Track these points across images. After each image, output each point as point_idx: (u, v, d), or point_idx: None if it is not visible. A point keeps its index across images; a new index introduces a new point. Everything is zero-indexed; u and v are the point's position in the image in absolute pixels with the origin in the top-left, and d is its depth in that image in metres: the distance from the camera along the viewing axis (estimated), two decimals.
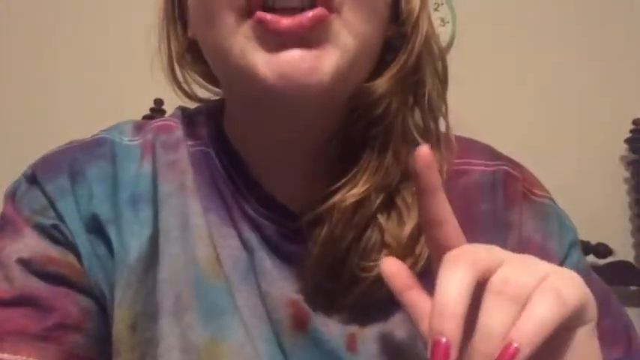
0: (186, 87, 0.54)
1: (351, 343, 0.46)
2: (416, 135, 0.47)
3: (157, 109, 1.29)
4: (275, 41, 0.40)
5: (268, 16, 0.40)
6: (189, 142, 0.51)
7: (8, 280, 0.45)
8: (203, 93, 0.56)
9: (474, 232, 0.47)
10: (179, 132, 0.51)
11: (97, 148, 0.50)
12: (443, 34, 1.45)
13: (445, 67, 0.49)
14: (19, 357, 0.43)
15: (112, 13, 1.40)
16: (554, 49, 1.39)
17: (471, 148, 0.53)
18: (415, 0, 0.47)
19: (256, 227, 0.48)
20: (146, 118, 1.24)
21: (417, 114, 0.49)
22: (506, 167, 0.52)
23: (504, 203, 0.50)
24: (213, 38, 0.43)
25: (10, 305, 0.44)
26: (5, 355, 0.42)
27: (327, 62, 0.41)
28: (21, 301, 0.44)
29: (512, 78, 1.40)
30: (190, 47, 0.51)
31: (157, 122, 0.53)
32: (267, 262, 0.47)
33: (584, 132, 1.36)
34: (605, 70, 1.38)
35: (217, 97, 0.56)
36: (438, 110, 0.49)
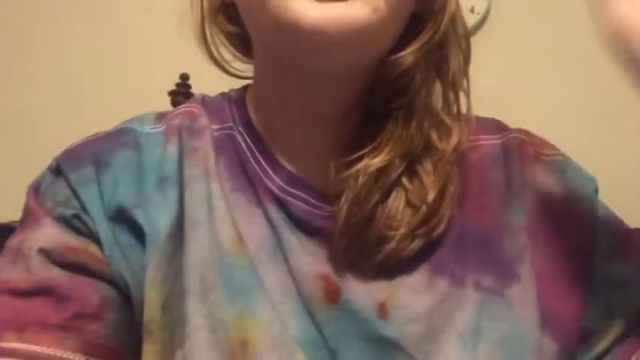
0: (214, 50, 0.54)
1: (382, 311, 0.46)
2: (438, 110, 0.50)
3: (183, 84, 1.27)
4: None
5: None
6: (214, 127, 0.52)
7: (28, 270, 0.45)
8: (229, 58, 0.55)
9: (491, 199, 0.50)
10: (202, 118, 0.52)
11: (120, 136, 0.51)
12: (478, 6, 1.41)
13: (468, 46, 0.51)
14: (39, 347, 0.43)
15: None
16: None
17: (480, 125, 0.54)
18: None
19: (282, 205, 0.49)
20: (172, 93, 1.22)
21: (439, 89, 0.51)
22: (514, 134, 0.53)
23: (518, 167, 0.51)
24: None
25: (30, 295, 0.44)
26: (26, 346, 0.43)
27: (358, 17, 0.42)
28: (41, 291, 0.44)
29: (555, 53, 1.34)
30: (223, 8, 0.52)
31: (180, 109, 0.53)
32: (293, 238, 0.48)
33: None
34: None
35: (240, 73, 0.56)
36: (459, 86, 0.51)
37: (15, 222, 0.51)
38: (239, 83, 0.57)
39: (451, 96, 0.51)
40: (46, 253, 0.45)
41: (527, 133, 0.54)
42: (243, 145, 0.51)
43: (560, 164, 0.52)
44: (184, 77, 1.27)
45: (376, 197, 0.47)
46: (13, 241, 0.47)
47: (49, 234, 0.46)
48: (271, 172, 0.50)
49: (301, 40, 0.42)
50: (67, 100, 1.37)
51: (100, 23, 1.41)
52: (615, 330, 0.47)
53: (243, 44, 0.54)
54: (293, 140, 0.50)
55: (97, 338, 0.45)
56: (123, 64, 1.37)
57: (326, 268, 0.47)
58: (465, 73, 0.51)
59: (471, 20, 1.41)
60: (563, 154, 0.54)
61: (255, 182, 0.49)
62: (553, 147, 0.54)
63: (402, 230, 0.46)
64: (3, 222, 0.95)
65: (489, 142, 0.53)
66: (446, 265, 0.48)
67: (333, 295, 0.46)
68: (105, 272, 0.46)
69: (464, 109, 0.52)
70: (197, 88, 1.13)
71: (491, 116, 0.56)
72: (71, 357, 0.43)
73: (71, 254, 0.46)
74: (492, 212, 0.50)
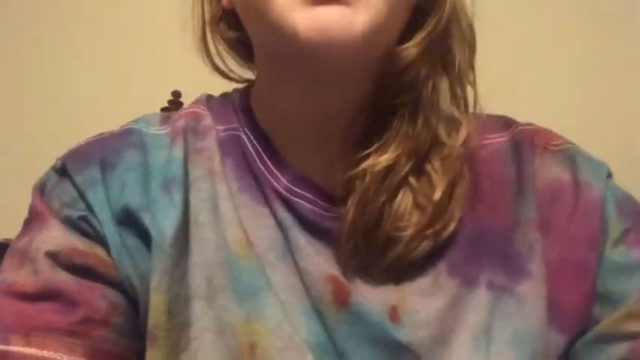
0: (215, 58, 0.54)
1: (394, 315, 0.46)
2: (445, 103, 0.49)
3: (175, 101, 1.28)
4: None
5: None
6: (219, 127, 0.52)
7: (35, 273, 0.44)
8: (231, 65, 0.56)
9: (502, 196, 0.50)
10: (207, 119, 0.52)
11: (126, 137, 0.51)
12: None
13: (473, 36, 0.50)
14: (47, 352, 0.42)
15: (129, 6, 1.39)
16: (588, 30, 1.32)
17: (485, 123, 0.53)
18: None
19: (289, 206, 0.48)
20: (164, 110, 1.23)
21: (445, 82, 0.50)
22: (520, 128, 0.53)
23: (529, 160, 0.51)
24: None
25: (37, 299, 0.44)
26: (33, 350, 0.42)
27: (360, 19, 0.42)
28: (48, 294, 0.44)
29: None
30: (223, 16, 0.52)
31: (185, 110, 0.53)
32: (302, 239, 0.47)
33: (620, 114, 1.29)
34: None
35: (241, 79, 0.56)
36: (465, 78, 0.50)
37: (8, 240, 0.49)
38: None
39: (458, 90, 0.50)
40: (52, 256, 0.45)
41: (534, 125, 0.54)
42: (249, 146, 0.51)
43: (570, 152, 0.52)
44: (176, 94, 1.28)
45: (383, 197, 0.46)
46: (19, 243, 0.47)
47: (55, 236, 0.46)
48: (277, 172, 0.49)
49: (302, 48, 0.42)
50: (60, 113, 1.37)
51: (93, 40, 1.41)
52: (623, 316, 0.46)
53: (244, 49, 0.54)
54: (299, 140, 0.50)
55: (104, 343, 0.44)
56: (116, 80, 1.37)
57: (335, 270, 0.47)
58: (471, 64, 0.50)
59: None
60: (572, 143, 0.53)
61: (261, 182, 0.49)
62: (561, 137, 0.54)
63: (410, 231, 0.46)
64: None
65: (497, 139, 0.53)
66: (458, 265, 0.47)
67: (342, 297, 0.46)
68: (112, 276, 0.46)
69: (471, 103, 0.51)
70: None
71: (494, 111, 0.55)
72: None
73: (78, 257, 0.45)
74: (504, 209, 0.49)
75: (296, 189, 0.49)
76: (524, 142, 0.52)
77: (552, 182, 0.50)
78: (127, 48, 1.37)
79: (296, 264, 0.47)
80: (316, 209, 0.48)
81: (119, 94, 1.32)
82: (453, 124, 0.49)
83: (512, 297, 0.47)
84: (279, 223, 0.48)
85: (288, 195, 0.48)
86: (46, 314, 0.43)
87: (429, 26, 0.47)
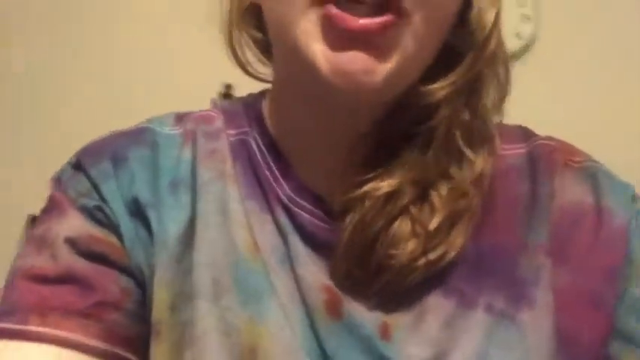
0: (239, 53, 0.53)
1: (385, 332, 0.45)
2: (460, 141, 0.46)
3: (226, 94, 1.29)
4: (339, 38, 0.40)
5: (334, 11, 0.39)
6: (230, 132, 0.51)
7: (54, 258, 0.46)
8: (254, 61, 0.55)
9: (513, 215, 0.47)
10: (219, 122, 0.52)
11: (139, 135, 0.51)
12: (524, 31, 1.40)
13: (508, 79, 0.47)
14: (63, 332, 0.43)
15: None
16: None
17: (504, 133, 0.50)
18: (490, 14, 0.45)
19: (290, 214, 0.48)
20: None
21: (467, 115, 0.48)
22: (540, 142, 0.50)
23: (545, 176, 0.48)
24: (280, 12, 0.42)
25: (55, 282, 0.45)
26: (49, 330, 0.43)
27: (386, 65, 0.40)
28: (66, 278, 0.45)
29: (600, 82, 1.32)
30: (251, 9, 0.50)
31: (198, 113, 0.53)
32: (300, 247, 0.47)
33: None
34: None
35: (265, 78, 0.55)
36: (489, 120, 0.48)
37: None
38: None
39: (478, 131, 0.47)
40: (70, 242, 0.46)
41: (555, 139, 0.51)
42: (257, 151, 0.50)
43: (592, 171, 0.48)
44: (228, 87, 1.30)
45: (382, 222, 0.45)
46: (37, 230, 0.48)
47: (73, 223, 0.47)
48: (281, 179, 0.49)
49: (322, 82, 0.41)
50: (110, 106, 1.40)
51: (144, 31, 1.44)
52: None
53: (266, 49, 0.53)
54: (306, 150, 0.50)
55: (117, 327, 0.45)
56: (167, 72, 1.39)
57: (330, 281, 0.47)
58: (499, 109, 0.48)
59: (515, 45, 1.40)
60: (595, 161, 0.50)
61: (265, 188, 0.49)
62: (584, 154, 0.50)
63: (403, 259, 0.44)
64: None
65: (514, 151, 0.50)
66: (456, 285, 0.45)
67: (335, 308, 0.46)
68: (125, 264, 0.47)
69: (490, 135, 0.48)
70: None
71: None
72: (93, 343, 0.44)
73: (94, 244, 0.46)
74: (513, 230, 0.47)
75: (297, 199, 0.48)
76: (542, 159, 0.49)
77: (573, 204, 0.47)
78: (179, 39, 1.39)
79: (294, 271, 0.47)
80: (315, 221, 0.48)
81: (171, 86, 1.34)
82: (467, 161, 0.47)
83: (513, 325, 0.44)
84: (279, 230, 0.48)
85: (288, 203, 0.48)
86: (63, 297, 0.45)
87: (461, 69, 0.44)
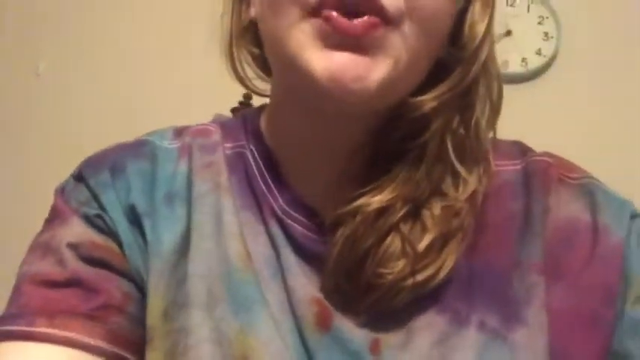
0: (239, 68, 0.54)
1: (375, 348, 0.45)
2: (452, 157, 0.46)
3: (246, 104, 1.30)
4: (334, 39, 0.41)
5: (334, 14, 0.40)
6: (227, 145, 0.53)
7: (60, 263, 0.47)
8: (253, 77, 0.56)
9: (506, 233, 0.47)
10: (217, 136, 0.53)
11: (139, 148, 0.53)
12: (545, 49, 1.40)
13: (500, 94, 0.48)
14: (69, 333, 0.45)
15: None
16: None
17: (499, 149, 0.50)
18: (480, 26, 0.45)
19: (283, 226, 0.49)
20: (234, 110, 1.25)
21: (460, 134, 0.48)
22: (536, 158, 0.49)
23: (540, 193, 0.47)
24: (274, 26, 0.43)
25: (60, 286, 0.47)
26: (56, 331, 0.45)
27: (377, 72, 0.41)
28: (71, 282, 0.47)
29: (621, 99, 1.31)
30: (250, 27, 0.51)
31: (196, 127, 0.55)
32: (292, 259, 0.48)
33: None
34: None
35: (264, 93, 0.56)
36: (483, 137, 0.48)
37: None
38: None
39: (470, 149, 0.47)
40: (73, 247, 0.48)
41: (552, 155, 0.50)
42: (252, 163, 0.51)
43: (589, 188, 0.47)
44: (247, 97, 1.30)
45: (372, 239, 0.45)
46: (41, 238, 0.50)
47: (76, 230, 0.49)
48: (276, 191, 0.50)
49: (316, 87, 0.41)
50: (127, 115, 1.41)
51: (167, 41, 1.45)
52: None
53: (265, 65, 0.54)
54: (302, 163, 0.50)
55: (119, 329, 0.47)
56: (188, 79, 1.41)
57: (320, 294, 0.47)
58: (492, 124, 0.48)
59: (537, 62, 1.40)
60: (592, 177, 0.49)
61: (260, 200, 0.50)
62: (582, 170, 0.49)
63: (390, 279, 0.44)
64: None
65: (509, 167, 0.49)
66: (449, 302, 0.45)
67: (324, 321, 0.46)
68: (125, 269, 0.48)
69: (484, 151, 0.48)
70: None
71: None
72: (99, 344, 0.45)
73: (96, 250, 0.48)
74: (506, 248, 0.46)
75: (291, 211, 0.49)
76: (537, 175, 0.48)
77: (568, 220, 0.46)
78: (200, 48, 1.40)
79: (285, 282, 0.47)
80: (308, 233, 0.48)
81: (189, 97, 1.35)
82: (460, 178, 0.47)
83: (505, 345, 0.44)
84: (272, 241, 0.49)
85: (281, 215, 0.49)
86: (68, 300, 0.46)
87: (450, 82, 0.45)
